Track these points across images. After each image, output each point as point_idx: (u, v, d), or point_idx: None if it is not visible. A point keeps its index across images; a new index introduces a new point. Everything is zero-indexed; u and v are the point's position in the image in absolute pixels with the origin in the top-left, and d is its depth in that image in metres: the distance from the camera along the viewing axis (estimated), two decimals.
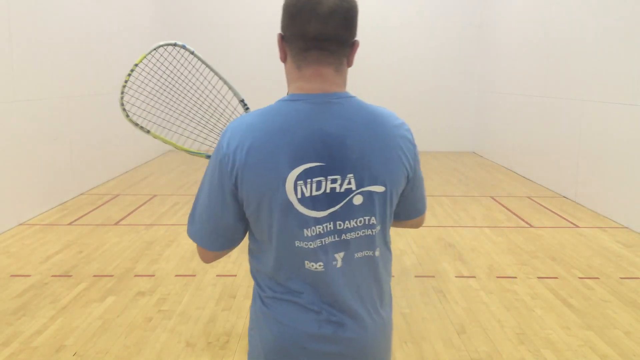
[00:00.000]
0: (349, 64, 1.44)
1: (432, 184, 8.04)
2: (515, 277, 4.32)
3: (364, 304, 1.43)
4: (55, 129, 6.44)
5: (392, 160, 1.39)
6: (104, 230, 5.52)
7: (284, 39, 1.39)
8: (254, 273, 1.48)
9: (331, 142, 1.33)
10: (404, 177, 1.43)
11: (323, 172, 1.33)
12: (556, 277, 4.32)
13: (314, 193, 1.33)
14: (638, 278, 4.35)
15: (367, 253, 1.41)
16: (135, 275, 4.31)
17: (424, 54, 11.06)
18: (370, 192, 1.37)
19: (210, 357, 3.08)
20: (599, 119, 6.36)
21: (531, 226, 5.79)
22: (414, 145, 1.46)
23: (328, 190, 1.34)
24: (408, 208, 1.54)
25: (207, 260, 1.49)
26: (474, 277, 4.35)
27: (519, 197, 7.13)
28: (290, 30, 1.36)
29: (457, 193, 7.38)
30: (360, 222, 1.38)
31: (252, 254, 1.47)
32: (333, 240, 1.37)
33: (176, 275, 4.31)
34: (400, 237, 5.46)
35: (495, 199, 7.01)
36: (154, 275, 4.31)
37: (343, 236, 1.38)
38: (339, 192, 1.35)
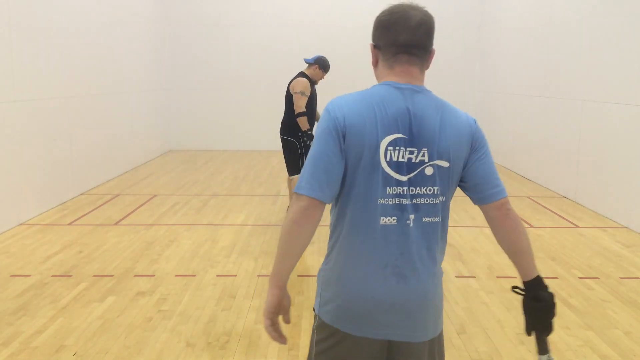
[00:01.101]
0: (427, 67, 1.76)
1: None
2: (515, 277, 4.31)
3: (424, 262, 1.67)
4: (55, 129, 6.44)
5: (458, 141, 1.67)
6: (104, 230, 5.52)
7: (376, 47, 1.74)
8: (332, 228, 1.74)
9: (413, 120, 1.64)
10: (466, 155, 1.70)
11: (405, 143, 1.63)
12: (556, 277, 4.32)
13: (399, 159, 1.63)
14: (638, 278, 4.35)
15: (433, 219, 1.67)
16: (135, 275, 4.31)
17: None
18: (439, 166, 1.66)
19: (210, 357, 3.08)
20: (599, 119, 6.36)
21: (531, 226, 5.79)
22: (480, 131, 1.73)
23: (406, 159, 1.63)
24: (480, 188, 1.74)
25: (301, 215, 1.63)
26: (474, 277, 4.35)
27: (519, 197, 7.13)
28: (384, 40, 1.70)
29: (457, 193, 7.36)
30: (430, 190, 1.66)
31: (335, 215, 1.72)
32: (409, 202, 1.64)
33: (176, 275, 4.31)
34: None
35: None
36: (154, 275, 4.31)
37: (415, 200, 1.65)
38: (415, 162, 1.64)
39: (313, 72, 5.89)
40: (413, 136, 1.64)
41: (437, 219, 1.69)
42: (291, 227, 1.64)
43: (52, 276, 4.27)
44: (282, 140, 5.84)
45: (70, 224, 5.74)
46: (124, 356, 3.09)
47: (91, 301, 3.82)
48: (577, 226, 5.80)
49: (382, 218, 1.63)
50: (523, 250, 1.79)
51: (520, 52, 8.92)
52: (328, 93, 11.61)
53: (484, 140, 1.74)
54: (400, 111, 1.64)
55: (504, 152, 9.55)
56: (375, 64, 1.76)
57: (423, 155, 1.64)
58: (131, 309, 3.69)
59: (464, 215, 6.21)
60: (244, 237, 5.30)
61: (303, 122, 5.59)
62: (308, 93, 5.67)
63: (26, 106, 5.83)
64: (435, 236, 1.69)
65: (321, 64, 5.88)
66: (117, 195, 7.08)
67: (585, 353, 3.17)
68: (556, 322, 3.66)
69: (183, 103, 11.21)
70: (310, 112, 5.77)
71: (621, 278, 4.34)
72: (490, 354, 3.15)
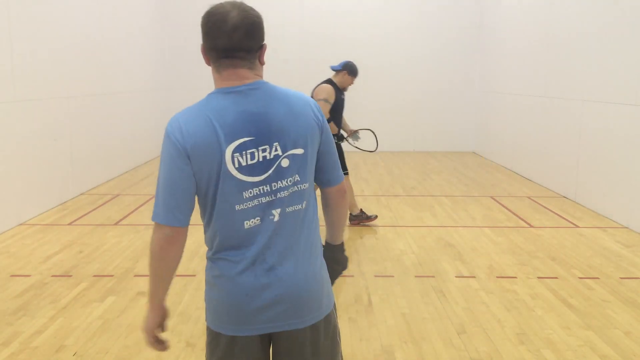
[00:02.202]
0: (261, 62, 1.74)
1: (432, 184, 8.04)
2: (515, 277, 4.32)
3: (294, 249, 1.69)
4: (55, 129, 6.44)
5: (307, 126, 1.68)
6: (104, 230, 5.52)
7: (203, 48, 1.74)
8: (206, 242, 1.77)
9: (256, 119, 1.63)
10: (318, 139, 1.72)
11: (254, 144, 1.62)
12: (556, 277, 4.32)
13: (249, 162, 1.62)
14: (638, 278, 4.35)
15: (296, 207, 1.69)
16: (135, 275, 4.31)
17: (424, 54, 11.06)
18: (294, 155, 1.66)
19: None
20: (599, 119, 6.36)
21: (531, 226, 5.79)
22: (323, 116, 1.75)
23: (261, 159, 1.63)
24: (327, 174, 1.81)
25: (165, 242, 1.67)
26: (474, 277, 4.35)
27: (519, 197, 7.13)
28: (206, 44, 1.72)
29: (457, 193, 7.38)
30: (290, 181, 1.67)
31: (205, 228, 1.75)
32: (270, 199, 1.65)
33: (176, 275, 4.31)
34: (400, 237, 5.46)
35: (495, 199, 7.01)
36: None
37: (278, 195, 1.65)
38: (270, 159, 1.64)
39: (341, 78, 5.81)
40: (261, 134, 1.63)
41: (299, 206, 1.70)
42: (158, 255, 1.69)
43: (52, 276, 4.27)
44: None
45: (70, 224, 5.74)
46: (124, 356, 3.09)
47: (91, 301, 3.82)
48: (577, 226, 5.80)
49: (245, 222, 1.64)
50: (343, 223, 1.96)
51: (520, 52, 8.92)
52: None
53: (326, 124, 1.78)
54: (240, 114, 1.62)
55: (504, 152, 9.55)
56: (208, 64, 1.76)
57: (276, 150, 1.64)
58: (131, 309, 3.69)
59: (464, 215, 6.21)
60: None
61: (331, 127, 5.53)
62: (332, 100, 5.57)
63: (26, 106, 5.83)
64: (301, 222, 1.72)
65: (349, 70, 5.75)
66: (117, 195, 7.08)
67: (585, 353, 3.17)
68: (556, 322, 3.68)
69: (183, 103, 11.16)
70: (337, 118, 5.70)
71: (621, 278, 4.34)
72: (490, 354, 3.15)
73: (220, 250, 1.69)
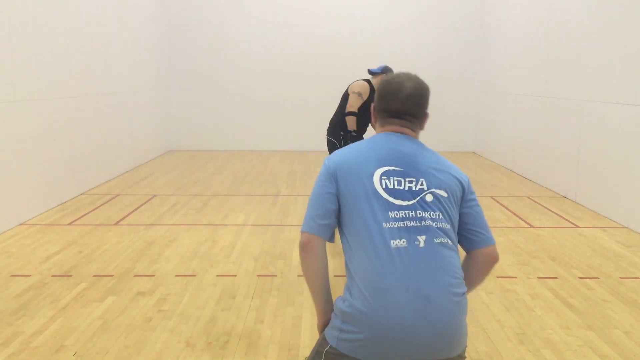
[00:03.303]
0: (421, 128, 2.04)
1: None
2: (515, 277, 4.32)
3: (444, 281, 1.72)
4: (55, 129, 6.44)
5: (451, 179, 1.87)
6: (104, 230, 5.52)
7: (375, 109, 2.03)
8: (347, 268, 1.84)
9: (406, 157, 1.87)
10: (460, 193, 1.88)
11: (402, 174, 1.82)
12: (556, 277, 4.32)
13: (396, 187, 1.79)
14: (638, 278, 4.35)
15: (443, 240, 1.77)
16: (135, 275, 4.31)
17: (424, 54, 11.06)
18: (438, 194, 1.82)
19: (210, 357, 3.08)
20: (599, 119, 6.36)
21: (531, 226, 5.79)
22: (468, 181, 1.94)
23: (406, 188, 1.80)
24: (472, 235, 1.91)
25: (310, 249, 1.85)
26: None
27: (519, 197, 7.13)
28: (379, 106, 2.00)
29: None
30: (434, 214, 1.79)
31: (347, 253, 1.83)
32: (415, 225, 1.75)
33: (176, 275, 4.31)
34: None
35: (495, 199, 7.01)
36: (154, 275, 4.31)
37: (422, 222, 1.76)
38: (415, 190, 1.80)
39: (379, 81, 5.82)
40: (409, 168, 1.83)
41: (446, 241, 1.78)
42: (301, 263, 1.90)
43: (52, 276, 4.27)
44: (327, 140, 5.90)
45: (70, 224, 5.74)
46: (124, 356, 3.09)
47: (91, 301, 3.82)
48: (577, 226, 5.80)
49: (392, 241, 1.72)
50: (474, 287, 2.01)
51: (520, 52, 8.93)
52: (333, 87, 11.61)
53: (471, 187, 1.94)
54: (393, 150, 1.87)
55: (504, 152, 9.55)
56: (374, 121, 2.05)
57: (422, 184, 1.81)
58: (131, 309, 3.69)
59: None
60: (244, 237, 5.30)
61: (351, 122, 5.56)
62: (365, 97, 5.57)
63: (26, 106, 5.83)
64: (450, 257, 1.77)
65: (388, 73, 5.75)
66: (117, 195, 7.08)
67: (585, 353, 3.17)
68: (556, 322, 3.68)
69: (183, 103, 11.21)
70: (366, 118, 5.65)
71: (621, 278, 4.34)
72: (490, 354, 3.15)
73: (367, 274, 1.72)
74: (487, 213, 6.31)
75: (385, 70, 5.74)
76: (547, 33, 7.82)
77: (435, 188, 1.82)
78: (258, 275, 4.33)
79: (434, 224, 1.76)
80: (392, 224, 1.73)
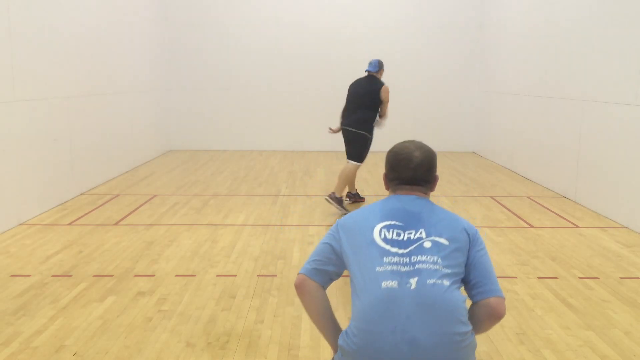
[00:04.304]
0: (432, 190, 2.15)
1: None
2: (515, 277, 4.32)
3: (436, 324, 1.72)
4: (55, 129, 6.44)
5: (455, 230, 1.93)
6: (104, 230, 5.52)
7: (387, 178, 2.15)
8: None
9: (411, 214, 1.96)
10: (466, 243, 1.92)
11: (403, 228, 1.92)
12: (556, 277, 4.32)
13: (394, 238, 1.89)
14: (638, 278, 4.35)
15: (437, 281, 1.78)
16: (135, 275, 4.31)
17: (424, 53, 11.06)
18: (437, 241, 1.88)
19: (210, 357, 3.08)
20: (599, 119, 6.36)
21: (531, 226, 5.79)
22: (476, 233, 1.99)
23: (405, 239, 1.88)
24: (476, 285, 1.91)
25: (303, 288, 2.02)
26: None
27: (519, 197, 7.13)
28: (390, 175, 2.12)
29: (457, 193, 7.38)
30: (430, 258, 1.83)
31: (352, 299, 1.93)
32: (408, 269, 1.80)
33: (176, 275, 4.31)
34: None
35: (495, 199, 7.01)
36: (154, 275, 4.31)
37: (417, 266, 1.81)
38: (413, 239, 1.88)
39: (382, 76, 6.55)
40: (410, 223, 1.93)
41: (441, 282, 1.78)
42: (302, 303, 2.07)
43: (52, 276, 4.27)
44: (353, 132, 6.39)
45: (70, 224, 5.74)
46: (124, 356, 3.09)
47: (91, 301, 3.82)
48: (577, 226, 5.80)
49: (383, 282, 1.80)
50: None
51: (520, 52, 8.92)
52: (334, 87, 11.55)
53: (479, 238, 1.99)
54: (400, 208, 1.98)
55: (504, 152, 9.55)
56: (387, 188, 2.17)
57: (421, 234, 1.89)
58: (131, 309, 3.69)
59: (464, 216, 6.20)
60: (244, 237, 5.30)
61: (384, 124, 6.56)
62: None
63: (26, 106, 5.83)
64: (447, 296, 1.76)
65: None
66: (117, 195, 7.08)
67: (585, 353, 3.17)
68: (556, 322, 3.68)
69: (183, 103, 11.21)
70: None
71: (621, 278, 4.34)
72: (490, 354, 3.15)
73: (361, 314, 1.83)
74: (487, 213, 6.31)
75: (381, 65, 6.47)
76: (547, 33, 7.82)
77: (435, 236, 1.88)
78: (258, 275, 4.33)
79: (428, 267, 1.80)
80: (385, 267, 1.81)
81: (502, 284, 4.16)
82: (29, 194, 5.89)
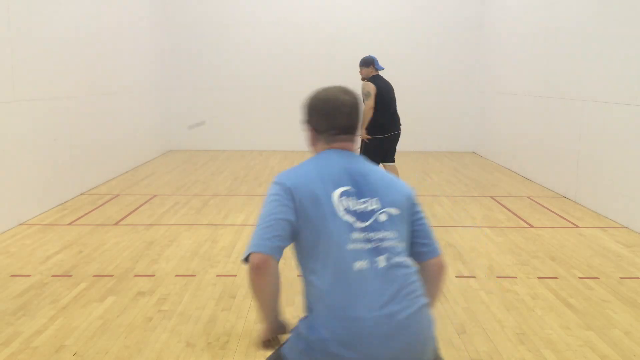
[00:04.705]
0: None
1: (432, 183, 8.04)
2: (515, 277, 4.32)
3: (408, 299, 1.73)
4: (55, 129, 6.43)
5: (401, 194, 1.88)
6: (104, 230, 5.52)
7: (315, 130, 1.95)
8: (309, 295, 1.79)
9: (358, 176, 1.85)
10: (409, 208, 1.89)
11: (357, 195, 1.81)
12: (556, 277, 4.32)
13: (353, 208, 1.78)
14: (638, 278, 4.35)
15: (400, 259, 1.78)
16: (135, 275, 4.31)
17: (424, 54, 11.06)
18: (391, 213, 1.82)
19: (210, 357, 3.08)
20: (599, 119, 6.36)
21: (531, 226, 5.79)
22: (414, 195, 1.95)
23: (362, 209, 1.79)
24: (421, 246, 1.92)
25: (266, 270, 1.74)
26: (474, 277, 4.34)
27: (519, 197, 7.13)
28: (324, 125, 1.93)
29: (457, 193, 7.38)
30: (390, 234, 1.79)
31: (308, 276, 1.79)
32: (373, 246, 1.75)
33: (176, 275, 4.31)
34: None
35: (495, 199, 7.01)
36: (154, 275, 4.31)
37: (380, 243, 1.76)
38: (370, 210, 1.80)
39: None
40: (360, 188, 1.82)
41: (404, 259, 1.80)
42: (254, 285, 1.77)
43: (52, 276, 4.27)
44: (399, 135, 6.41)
45: (70, 224, 5.74)
46: (124, 356, 3.09)
47: (91, 301, 3.82)
48: (577, 226, 5.80)
49: (354, 264, 1.71)
50: (434, 299, 1.98)
51: (520, 52, 8.92)
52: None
53: (419, 203, 1.97)
54: (343, 169, 1.85)
55: (504, 152, 9.55)
56: (314, 143, 1.98)
57: (377, 204, 1.82)
58: (131, 309, 3.69)
59: (464, 215, 6.21)
60: (244, 237, 5.30)
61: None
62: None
63: (26, 106, 5.83)
64: (409, 273, 1.79)
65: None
66: (117, 195, 7.08)
67: (585, 353, 3.17)
68: (556, 322, 3.67)
69: (183, 103, 11.21)
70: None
71: (621, 278, 4.34)
72: (490, 354, 3.15)
73: (330, 297, 1.71)
74: (487, 213, 6.31)
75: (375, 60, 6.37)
76: (547, 33, 7.82)
77: (388, 207, 1.83)
78: None
79: (390, 244, 1.78)
80: (354, 245, 1.73)
81: (503, 284, 4.17)
82: (29, 194, 5.89)
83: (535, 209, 6.54)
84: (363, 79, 6.30)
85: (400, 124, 6.40)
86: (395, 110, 6.36)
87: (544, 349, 3.21)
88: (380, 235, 1.77)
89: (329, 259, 1.72)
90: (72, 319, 3.54)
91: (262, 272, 1.73)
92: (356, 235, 1.74)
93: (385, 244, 1.77)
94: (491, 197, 7.16)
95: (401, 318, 1.68)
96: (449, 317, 3.62)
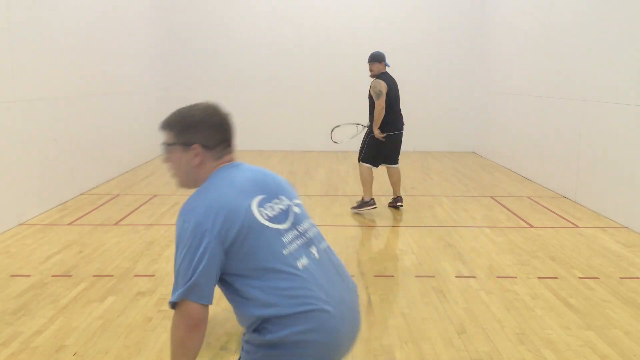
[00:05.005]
0: None
1: (432, 183, 8.04)
2: (515, 277, 4.32)
3: (346, 278, 1.87)
4: (55, 129, 6.43)
5: (289, 184, 2.01)
6: (104, 230, 5.52)
7: (205, 147, 1.84)
8: (250, 318, 1.72)
9: (259, 182, 1.86)
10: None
11: (267, 199, 1.81)
12: (556, 277, 4.32)
13: (272, 214, 1.79)
14: (638, 278, 4.35)
15: (325, 244, 1.90)
16: (135, 275, 4.31)
17: (424, 54, 11.06)
18: (298, 204, 1.92)
19: (210, 357, 3.08)
20: (599, 119, 6.36)
21: (531, 226, 5.79)
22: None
23: (278, 211, 1.81)
24: None
25: (204, 326, 1.69)
26: (474, 277, 4.35)
27: (519, 197, 7.13)
28: (215, 139, 1.86)
29: (457, 193, 7.38)
30: (307, 223, 1.88)
31: (246, 297, 1.71)
32: (303, 241, 1.81)
33: None
34: (400, 237, 5.46)
35: (495, 199, 7.01)
36: (154, 275, 4.31)
37: (306, 235, 1.83)
38: (285, 209, 1.84)
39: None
40: (269, 191, 1.84)
41: (327, 243, 1.92)
42: (186, 342, 1.68)
43: (52, 276, 4.27)
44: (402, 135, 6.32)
45: (70, 224, 5.74)
46: (124, 356, 3.09)
47: (91, 301, 3.82)
48: (577, 226, 5.80)
49: (297, 263, 1.74)
50: None
51: (520, 52, 8.92)
52: (333, 87, 11.51)
53: None
54: (247, 180, 1.83)
55: (504, 152, 9.55)
56: (201, 164, 1.85)
57: (285, 201, 1.87)
58: (131, 309, 3.69)
59: (464, 215, 6.21)
60: None
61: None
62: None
63: (26, 106, 5.83)
64: (334, 253, 1.92)
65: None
66: (117, 195, 7.08)
67: (585, 353, 3.17)
68: (556, 322, 3.67)
69: (183, 103, 11.12)
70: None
71: (621, 278, 4.34)
72: (490, 354, 3.15)
73: (286, 303, 1.68)
74: (487, 213, 6.32)
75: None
76: (547, 33, 7.82)
77: (293, 199, 1.91)
78: None
79: (312, 233, 1.85)
80: (289, 248, 1.74)
81: (503, 284, 4.17)
82: (29, 194, 5.89)
83: (535, 209, 6.54)
84: (373, 76, 6.19)
85: (403, 124, 6.32)
86: (400, 109, 6.29)
87: (544, 349, 3.21)
88: (302, 228, 1.83)
89: (272, 269, 1.69)
90: (72, 319, 3.54)
91: (201, 330, 1.66)
92: (286, 238, 1.76)
93: (309, 234, 1.84)
94: (491, 197, 7.16)
95: (350, 303, 1.82)
96: (449, 317, 3.62)
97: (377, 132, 6.09)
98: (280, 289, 1.68)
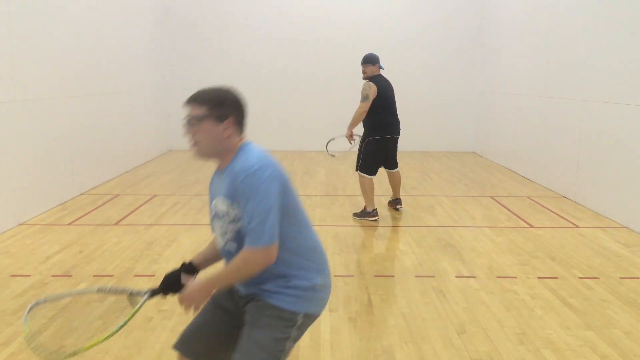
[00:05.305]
0: None
1: (432, 184, 8.04)
2: (515, 277, 4.32)
3: None
4: (55, 129, 6.44)
5: None
6: (104, 230, 5.52)
7: (236, 123, 2.08)
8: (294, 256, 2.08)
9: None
10: None
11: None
12: (556, 277, 4.32)
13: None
14: (638, 278, 4.35)
15: None
16: (135, 275, 4.31)
17: (424, 54, 11.06)
18: None
19: None
20: (599, 119, 6.36)
21: (531, 226, 5.79)
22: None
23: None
24: None
25: (273, 257, 1.98)
26: (474, 277, 4.35)
27: (519, 197, 7.13)
28: (242, 119, 2.11)
29: (457, 193, 7.38)
30: None
31: (293, 241, 2.07)
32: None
33: None
34: (400, 237, 5.46)
35: (495, 199, 7.01)
36: (154, 275, 4.31)
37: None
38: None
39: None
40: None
41: None
42: (254, 269, 1.99)
43: (52, 276, 4.27)
44: (397, 140, 6.21)
45: (70, 224, 5.74)
46: (124, 356, 3.09)
47: (91, 301, 3.82)
48: (577, 226, 5.80)
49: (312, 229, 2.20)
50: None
51: (520, 52, 8.92)
52: (333, 87, 11.49)
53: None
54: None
55: (504, 152, 9.55)
56: (229, 135, 2.06)
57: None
58: (131, 309, 3.68)
59: (464, 215, 6.21)
60: None
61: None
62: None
63: (26, 106, 5.83)
64: None
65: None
66: (117, 195, 7.08)
67: (585, 353, 3.17)
68: (556, 322, 3.67)
69: (183, 103, 11.18)
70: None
71: (621, 278, 4.34)
72: (490, 354, 3.16)
73: (312, 252, 2.13)
74: (487, 213, 6.31)
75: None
76: (547, 33, 7.82)
77: None
78: None
79: None
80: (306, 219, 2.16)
81: (503, 284, 4.17)
82: (29, 194, 5.89)
83: (535, 209, 6.54)
84: (366, 78, 6.04)
85: (399, 128, 6.17)
86: (396, 112, 6.17)
87: (544, 349, 3.21)
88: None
89: (306, 225, 2.12)
90: (72, 319, 3.54)
91: (269, 264, 1.97)
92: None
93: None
94: (491, 197, 7.16)
95: None
96: (449, 317, 3.62)
97: (348, 132, 6.06)
98: (311, 248, 2.14)
